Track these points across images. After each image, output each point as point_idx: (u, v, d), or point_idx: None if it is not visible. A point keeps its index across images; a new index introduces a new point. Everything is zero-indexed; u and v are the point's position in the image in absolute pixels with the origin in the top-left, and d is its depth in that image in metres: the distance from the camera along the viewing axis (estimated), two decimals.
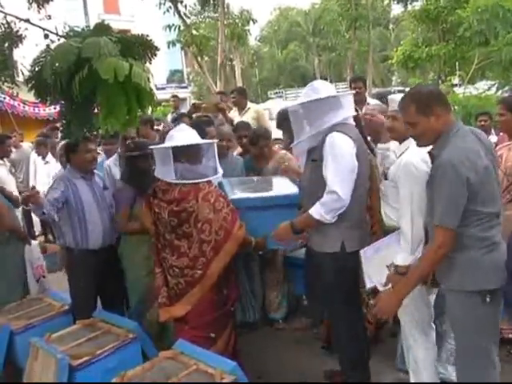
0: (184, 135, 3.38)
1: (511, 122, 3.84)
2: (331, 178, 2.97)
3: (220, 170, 3.49)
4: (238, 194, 3.63)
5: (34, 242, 4.65)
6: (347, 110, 3.18)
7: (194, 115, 5.75)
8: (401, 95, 4.16)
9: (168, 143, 3.40)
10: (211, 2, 15.87)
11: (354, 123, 3.25)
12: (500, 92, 11.98)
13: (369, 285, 3.09)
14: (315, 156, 3.15)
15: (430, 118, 2.51)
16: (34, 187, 4.03)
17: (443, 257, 2.48)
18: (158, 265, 3.46)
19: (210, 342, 3.27)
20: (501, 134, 5.00)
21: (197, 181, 3.30)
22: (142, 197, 3.84)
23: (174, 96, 9.82)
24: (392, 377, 3.64)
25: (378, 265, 2.88)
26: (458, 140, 2.47)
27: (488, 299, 2.44)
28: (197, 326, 3.33)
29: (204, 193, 3.28)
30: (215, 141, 3.64)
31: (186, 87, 37.72)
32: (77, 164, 4.02)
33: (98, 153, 4.61)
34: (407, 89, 15.98)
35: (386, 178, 3.31)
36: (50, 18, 4.43)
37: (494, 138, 5.38)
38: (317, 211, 3.00)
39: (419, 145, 2.66)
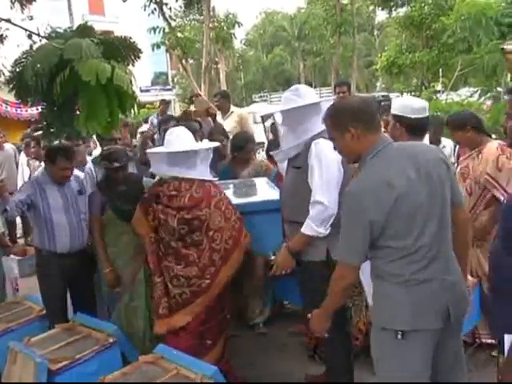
0: (183, 139, 3.32)
1: (465, 137, 3.90)
2: (316, 188, 2.96)
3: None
4: None
5: (11, 257, 4.62)
6: None
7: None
8: (399, 99, 4.16)
9: (185, 145, 3.29)
10: (196, 5, 15.83)
11: None
12: (482, 99, 12.11)
13: (370, 303, 3.06)
14: (299, 163, 3.12)
15: (344, 135, 2.30)
16: (2, 180, 4.01)
17: (348, 287, 2.36)
18: (158, 274, 3.31)
19: (205, 349, 3.25)
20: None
21: (207, 178, 3.31)
22: (111, 206, 3.85)
23: (163, 100, 9.73)
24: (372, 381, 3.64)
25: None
26: (372, 168, 2.24)
27: (399, 336, 2.20)
28: (196, 333, 3.26)
29: (216, 200, 3.23)
30: (216, 143, 3.62)
31: (170, 89, 37.60)
32: (51, 175, 3.96)
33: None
34: (391, 94, 16.05)
35: None
36: (31, 18, 4.41)
37: None
38: (308, 227, 2.98)
39: (347, 161, 2.55)
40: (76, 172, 4.21)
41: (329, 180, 2.96)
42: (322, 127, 3.06)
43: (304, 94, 3.16)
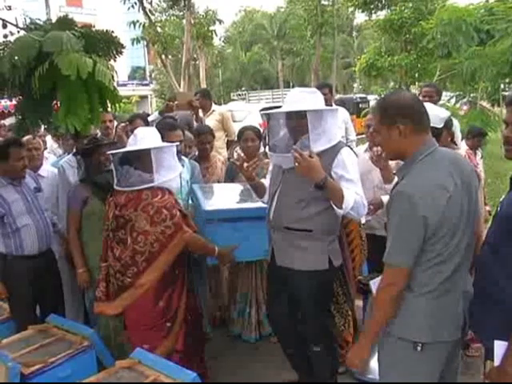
0: (136, 140, 3.28)
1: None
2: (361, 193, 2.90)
3: (160, 178, 3.24)
4: (212, 205, 3.51)
5: None
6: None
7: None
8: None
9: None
10: (183, 1, 15.70)
11: None
12: (459, 104, 12.28)
13: None
14: None
15: (391, 131, 2.20)
16: None
17: (398, 295, 2.16)
18: (103, 259, 3.38)
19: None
20: None
21: (129, 188, 3.19)
22: (97, 195, 3.73)
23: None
24: None
25: None
26: (424, 168, 2.15)
27: (419, 348, 2.15)
28: (133, 334, 3.27)
29: (144, 203, 3.15)
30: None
31: (147, 84, 37.35)
32: (6, 172, 3.74)
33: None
34: (369, 96, 16.14)
35: None
36: (10, 8, 4.26)
37: None
38: (349, 199, 2.80)
39: (385, 156, 2.49)
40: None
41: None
42: (340, 135, 3.04)
43: (320, 98, 3.03)
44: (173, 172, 3.30)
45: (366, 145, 3.95)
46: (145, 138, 3.27)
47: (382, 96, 2.39)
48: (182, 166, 4.05)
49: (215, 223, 3.33)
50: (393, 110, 2.20)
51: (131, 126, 4.80)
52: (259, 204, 3.37)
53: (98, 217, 3.69)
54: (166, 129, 3.92)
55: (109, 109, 3.79)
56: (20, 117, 3.82)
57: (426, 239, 2.10)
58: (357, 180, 2.90)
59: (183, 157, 4.18)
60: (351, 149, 3.05)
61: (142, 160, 3.23)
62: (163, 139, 3.80)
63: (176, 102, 5.57)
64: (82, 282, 3.76)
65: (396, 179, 2.49)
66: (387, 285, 2.18)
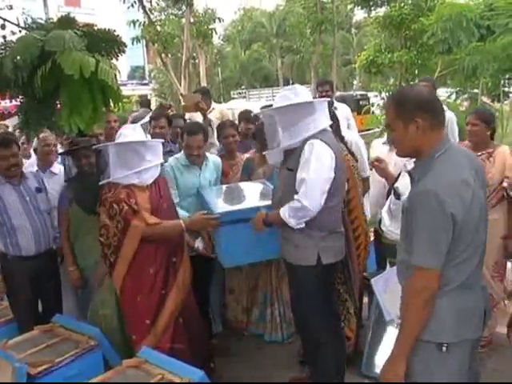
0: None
1: (483, 133, 3.90)
2: (300, 187, 2.90)
3: (115, 174, 3.28)
4: (223, 207, 3.49)
5: None
6: (327, 117, 3.11)
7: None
8: None
9: None
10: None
11: (330, 129, 3.15)
12: (459, 100, 12.25)
13: (388, 317, 2.91)
14: (292, 164, 3.01)
15: (408, 126, 2.12)
16: None
17: (432, 298, 2.07)
18: None
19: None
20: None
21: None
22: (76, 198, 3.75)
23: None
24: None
25: (391, 296, 2.68)
26: (445, 165, 2.08)
27: (444, 349, 2.08)
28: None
29: (103, 198, 3.27)
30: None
31: (147, 84, 37.32)
32: None
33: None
34: (369, 93, 16.08)
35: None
36: (11, 8, 4.25)
37: None
38: (284, 212, 2.96)
39: (397, 154, 2.36)
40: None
41: (316, 183, 2.88)
42: (318, 128, 2.98)
43: (300, 93, 3.05)
44: (131, 169, 3.26)
45: (385, 137, 3.91)
46: (121, 135, 3.31)
47: (397, 90, 2.33)
48: (205, 165, 4.03)
49: (228, 225, 3.29)
50: (412, 104, 2.12)
51: (155, 122, 4.83)
52: (268, 202, 3.33)
53: (83, 217, 3.70)
54: (185, 133, 3.93)
55: (111, 108, 3.78)
56: (23, 117, 3.80)
57: (453, 238, 2.04)
58: (312, 177, 2.88)
59: (208, 155, 4.15)
60: (321, 140, 2.97)
61: (105, 157, 3.41)
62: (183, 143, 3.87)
63: (183, 104, 5.59)
64: (72, 281, 3.80)
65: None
66: (420, 289, 2.07)
